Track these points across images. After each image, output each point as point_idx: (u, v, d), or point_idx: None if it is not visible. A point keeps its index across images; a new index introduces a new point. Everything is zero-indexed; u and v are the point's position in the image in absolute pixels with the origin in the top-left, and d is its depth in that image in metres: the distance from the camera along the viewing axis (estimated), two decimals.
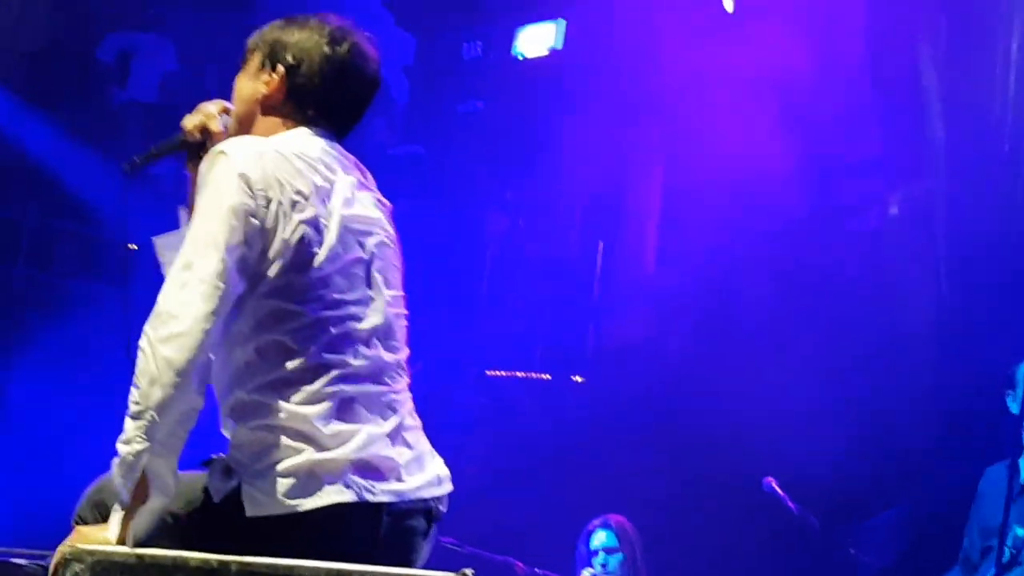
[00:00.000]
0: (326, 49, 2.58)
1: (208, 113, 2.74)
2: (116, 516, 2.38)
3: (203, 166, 2.47)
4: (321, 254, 2.43)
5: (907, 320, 6.74)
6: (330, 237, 2.46)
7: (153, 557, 2.21)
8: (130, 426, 2.33)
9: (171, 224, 2.78)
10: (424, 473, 2.57)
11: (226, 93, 2.75)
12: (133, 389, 2.35)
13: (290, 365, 2.43)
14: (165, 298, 2.34)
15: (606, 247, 7.09)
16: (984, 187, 6.59)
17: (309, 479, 2.37)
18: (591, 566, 6.02)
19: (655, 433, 7.06)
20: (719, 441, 6.93)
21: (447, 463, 2.69)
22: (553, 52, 6.81)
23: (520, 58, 6.98)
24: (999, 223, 6.42)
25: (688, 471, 7.06)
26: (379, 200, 2.70)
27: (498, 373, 7.09)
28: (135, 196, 2.90)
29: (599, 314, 7.14)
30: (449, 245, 7.07)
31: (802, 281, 7.17)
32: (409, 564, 2.54)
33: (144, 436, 2.31)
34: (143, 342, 2.36)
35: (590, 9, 6.71)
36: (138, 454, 2.32)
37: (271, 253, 2.43)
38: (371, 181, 2.72)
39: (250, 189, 2.38)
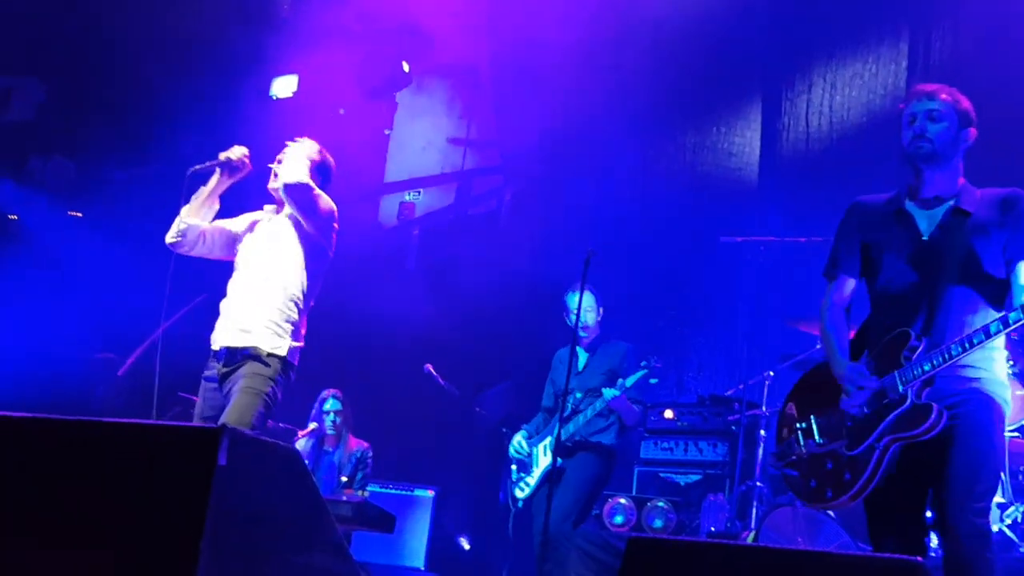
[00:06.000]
0: None
1: (244, 151, 4.55)
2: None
3: None
4: None
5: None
6: None
7: None
8: None
9: None
10: None
11: None
12: None
13: None
14: None
15: None
16: None
17: None
18: (320, 422, 6.90)
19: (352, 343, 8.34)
20: (398, 342, 8.31)
21: None
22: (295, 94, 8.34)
23: (274, 98, 8.35)
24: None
25: (381, 363, 8.43)
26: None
27: None
28: None
29: None
30: None
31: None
32: None
33: None
34: None
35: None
36: None
37: None
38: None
39: None
